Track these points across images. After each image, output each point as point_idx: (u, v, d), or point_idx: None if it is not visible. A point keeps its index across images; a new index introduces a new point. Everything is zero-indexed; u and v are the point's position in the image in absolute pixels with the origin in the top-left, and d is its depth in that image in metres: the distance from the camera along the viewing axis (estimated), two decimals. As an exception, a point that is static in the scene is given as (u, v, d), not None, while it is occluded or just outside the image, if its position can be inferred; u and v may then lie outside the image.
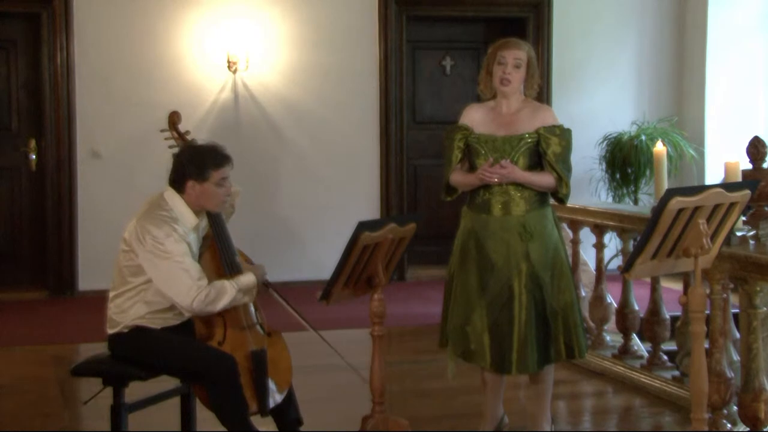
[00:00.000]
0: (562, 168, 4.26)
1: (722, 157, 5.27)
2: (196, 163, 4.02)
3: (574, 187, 4.44)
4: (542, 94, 9.06)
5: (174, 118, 4.43)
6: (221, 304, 3.92)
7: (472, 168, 4.35)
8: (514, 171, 4.21)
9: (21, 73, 8.44)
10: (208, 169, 3.99)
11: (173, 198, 4.02)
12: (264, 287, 4.18)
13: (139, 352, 4.00)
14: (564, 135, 4.30)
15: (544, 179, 4.28)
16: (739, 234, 4.37)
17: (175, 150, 4.38)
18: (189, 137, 4.43)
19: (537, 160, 4.31)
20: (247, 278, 4.04)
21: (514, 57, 4.28)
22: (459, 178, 4.37)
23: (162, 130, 4.43)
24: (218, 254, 4.10)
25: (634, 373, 5.59)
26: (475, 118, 4.39)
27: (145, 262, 3.92)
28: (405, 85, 9.05)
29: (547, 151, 4.26)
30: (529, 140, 4.27)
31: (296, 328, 4.30)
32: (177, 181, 4.03)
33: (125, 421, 4.03)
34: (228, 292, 3.93)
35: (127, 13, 8.36)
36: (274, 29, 8.63)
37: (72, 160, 8.30)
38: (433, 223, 8.33)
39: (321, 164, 8.79)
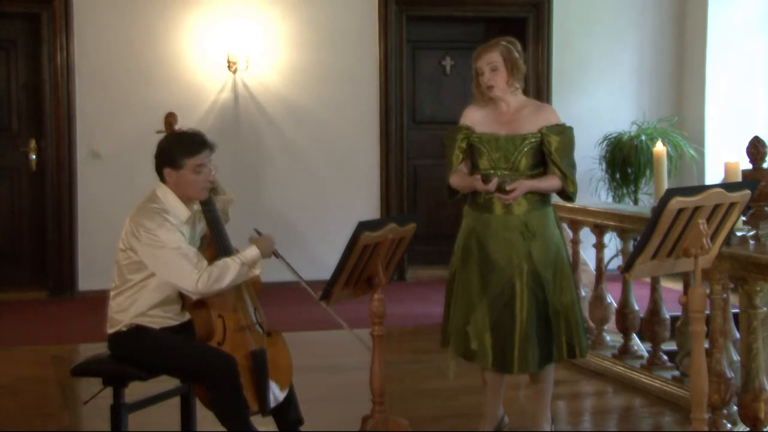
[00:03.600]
0: (567, 166, 4.28)
1: (722, 157, 5.27)
2: (170, 150, 4.04)
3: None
4: (542, 94, 9.08)
5: (170, 120, 4.43)
6: (227, 281, 3.93)
7: (474, 168, 4.35)
8: (522, 186, 4.21)
9: (21, 73, 8.44)
10: (182, 157, 4.01)
11: (165, 192, 4.04)
12: (274, 257, 4.18)
13: (138, 352, 4.00)
14: (566, 133, 4.31)
15: (551, 182, 4.29)
16: (739, 234, 4.37)
17: None
18: None
19: (540, 159, 4.31)
20: (251, 251, 4.05)
21: (488, 62, 4.31)
22: (458, 181, 4.37)
23: (158, 132, 4.43)
24: (217, 255, 4.10)
25: (634, 373, 5.59)
26: (476, 118, 4.39)
27: (143, 256, 3.94)
28: (405, 85, 9.05)
29: (551, 150, 4.27)
30: (533, 140, 4.28)
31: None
32: (157, 169, 4.06)
33: (125, 421, 4.03)
34: (231, 267, 3.94)
35: (127, 13, 8.37)
36: (274, 29, 8.63)
37: (72, 160, 8.30)
38: (433, 223, 8.33)
39: (321, 164, 8.79)
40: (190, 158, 4.01)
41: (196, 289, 3.90)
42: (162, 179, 4.06)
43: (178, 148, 4.04)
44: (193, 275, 3.88)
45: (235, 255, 4.03)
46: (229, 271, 3.94)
